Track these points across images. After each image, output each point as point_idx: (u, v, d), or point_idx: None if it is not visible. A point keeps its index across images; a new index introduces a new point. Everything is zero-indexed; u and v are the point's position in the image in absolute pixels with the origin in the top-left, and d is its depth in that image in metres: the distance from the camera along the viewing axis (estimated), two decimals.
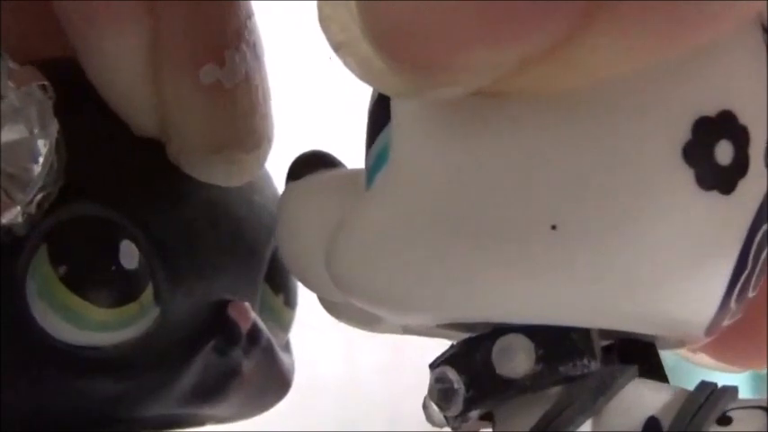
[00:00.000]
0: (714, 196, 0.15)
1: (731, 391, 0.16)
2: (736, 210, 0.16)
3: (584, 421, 0.16)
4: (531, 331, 0.16)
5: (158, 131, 0.21)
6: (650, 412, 0.16)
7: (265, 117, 0.22)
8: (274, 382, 0.23)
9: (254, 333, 0.22)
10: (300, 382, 0.25)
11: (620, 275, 0.15)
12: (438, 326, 0.17)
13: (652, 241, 0.15)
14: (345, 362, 0.61)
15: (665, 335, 0.17)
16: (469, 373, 0.16)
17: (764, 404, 0.16)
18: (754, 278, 0.17)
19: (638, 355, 0.17)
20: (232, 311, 0.22)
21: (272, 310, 0.24)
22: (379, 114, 0.17)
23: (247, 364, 0.22)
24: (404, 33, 0.13)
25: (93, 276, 0.20)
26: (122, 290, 0.20)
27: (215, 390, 0.22)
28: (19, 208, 0.18)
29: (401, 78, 0.13)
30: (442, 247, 0.15)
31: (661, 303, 0.16)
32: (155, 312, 0.21)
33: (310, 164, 0.19)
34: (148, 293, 0.21)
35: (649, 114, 0.15)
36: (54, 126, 0.19)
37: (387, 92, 0.15)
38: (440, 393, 0.17)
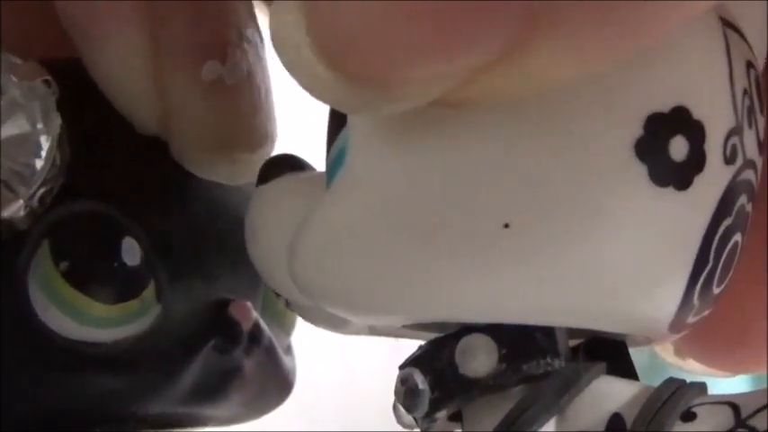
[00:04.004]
0: (669, 192, 0.15)
1: (699, 386, 0.16)
2: (694, 205, 0.16)
3: (547, 420, 0.16)
4: (495, 330, 0.16)
5: (161, 129, 0.21)
6: (614, 409, 0.16)
7: (268, 116, 0.22)
8: (276, 384, 0.24)
9: (256, 333, 0.22)
10: (299, 383, 0.25)
11: (575, 273, 0.15)
12: (405, 326, 0.17)
13: (606, 238, 0.15)
14: (344, 363, 0.61)
15: (628, 332, 0.17)
16: (434, 373, 0.16)
17: (729, 399, 0.16)
18: (717, 273, 0.17)
19: (608, 353, 0.17)
20: (233, 311, 0.22)
21: (274, 312, 0.24)
22: (338, 116, 0.17)
23: (249, 365, 0.22)
24: (353, 51, 0.13)
25: (94, 272, 0.20)
26: (124, 286, 0.20)
27: (216, 389, 0.22)
28: (21, 202, 0.18)
29: (353, 95, 0.13)
30: (397, 248, 0.15)
31: (618, 300, 0.16)
32: (156, 310, 0.21)
33: (278, 167, 0.20)
34: (150, 291, 0.21)
35: (600, 111, 0.15)
36: (57, 121, 0.19)
37: (341, 109, 0.15)
38: (405, 394, 0.17)
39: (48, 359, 0.20)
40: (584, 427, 0.16)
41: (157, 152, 0.21)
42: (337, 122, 0.17)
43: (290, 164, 0.20)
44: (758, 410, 0.15)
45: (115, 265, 0.20)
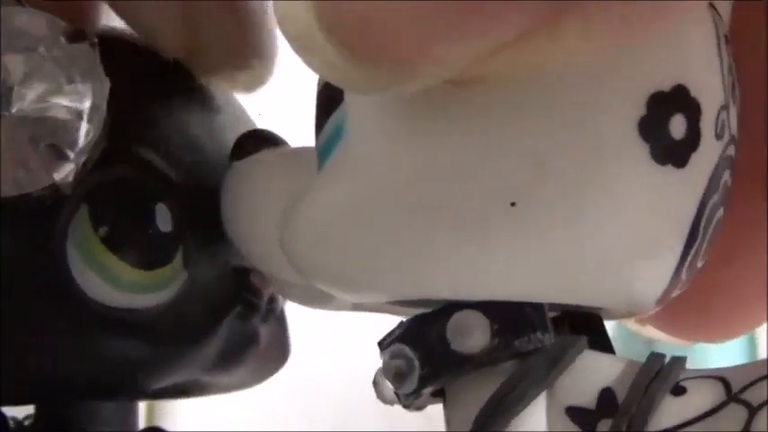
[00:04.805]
0: (668, 170, 0.15)
1: (681, 361, 0.16)
2: (689, 183, 0.16)
3: (537, 394, 0.16)
4: (486, 306, 0.16)
5: (184, 50, 0.21)
6: (604, 384, 0.16)
7: (273, 28, 0.22)
8: (280, 352, 0.24)
9: (273, 301, 0.23)
10: (299, 383, 0.25)
11: (577, 250, 0.15)
12: (389, 302, 0.17)
13: (608, 217, 0.15)
14: (344, 363, 0.61)
15: (618, 307, 0.17)
16: (424, 350, 0.16)
17: (717, 374, 0.16)
18: (703, 248, 0.17)
19: (585, 326, 0.17)
20: (255, 279, 0.22)
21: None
22: (331, 94, 0.17)
23: (263, 332, 0.22)
24: (369, 30, 0.12)
25: (132, 238, 0.20)
26: (158, 252, 0.20)
27: (236, 355, 0.22)
28: (73, 166, 0.18)
29: (364, 76, 0.13)
30: (400, 225, 0.15)
31: (617, 277, 0.16)
32: (183, 277, 0.21)
33: (254, 143, 0.19)
34: (179, 258, 0.21)
35: (604, 91, 0.15)
36: (104, 85, 0.18)
37: (349, 89, 0.14)
38: (395, 371, 0.16)
39: (82, 323, 0.20)
40: (574, 401, 0.16)
41: (186, 119, 0.22)
42: (329, 101, 0.17)
43: (266, 139, 0.19)
44: (751, 384, 0.15)
45: (151, 231, 0.20)
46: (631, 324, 0.21)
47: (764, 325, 0.21)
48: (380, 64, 0.12)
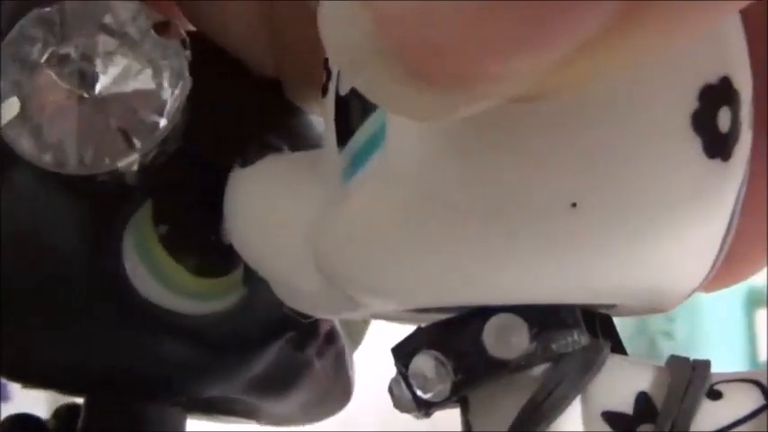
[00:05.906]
0: (716, 164, 0.15)
1: (708, 364, 0.16)
2: (732, 176, 0.16)
3: (574, 398, 0.15)
4: (522, 310, 0.16)
5: (275, 69, 0.21)
6: (638, 388, 0.16)
7: None
8: (339, 390, 0.23)
9: (332, 335, 0.22)
10: None
11: (632, 249, 0.15)
12: (411, 310, 0.16)
13: (664, 214, 0.15)
14: None
15: (651, 304, 0.16)
16: (458, 356, 0.16)
17: (748, 377, 0.16)
18: (731, 237, 0.17)
19: (598, 327, 0.17)
20: None
21: (346, 321, 0.23)
22: (361, 100, 0.16)
23: (318, 365, 0.22)
24: (435, 51, 0.11)
25: (192, 242, 0.20)
26: (216, 262, 0.20)
27: (283, 383, 0.22)
28: (137, 156, 0.18)
29: (431, 99, 0.12)
30: (452, 231, 0.15)
31: (666, 274, 0.16)
32: (241, 292, 0.20)
33: (256, 150, 0.19)
34: (239, 272, 0.20)
35: (660, 87, 0.15)
36: (186, 84, 0.18)
37: (412, 116, 0.13)
38: (428, 378, 0.16)
39: (125, 317, 0.19)
40: (610, 406, 0.16)
41: (269, 134, 0.21)
42: (359, 106, 0.16)
43: (268, 146, 0.19)
44: None
45: (213, 239, 0.20)
46: None
47: (764, 325, 0.21)
48: (453, 85, 0.11)
